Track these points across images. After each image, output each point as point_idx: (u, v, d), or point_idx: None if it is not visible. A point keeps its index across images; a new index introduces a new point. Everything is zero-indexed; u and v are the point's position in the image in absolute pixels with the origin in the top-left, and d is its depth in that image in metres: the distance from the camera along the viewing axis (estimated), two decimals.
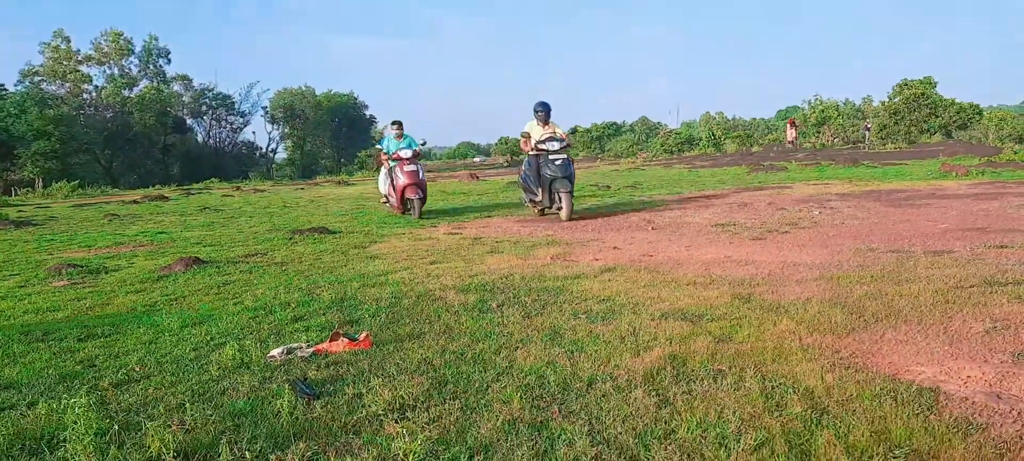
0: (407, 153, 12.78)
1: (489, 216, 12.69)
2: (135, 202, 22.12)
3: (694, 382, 3.38)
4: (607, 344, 4.11)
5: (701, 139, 50.35)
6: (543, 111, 11.78)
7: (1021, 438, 2.74)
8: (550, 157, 11.30)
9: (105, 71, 51.82)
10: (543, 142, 11.50)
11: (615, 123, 65.09)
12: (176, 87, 55.16)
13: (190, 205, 19.94)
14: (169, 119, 51.97)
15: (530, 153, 11.79)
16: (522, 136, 11.95)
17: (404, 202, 12.73)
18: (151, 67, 53.69)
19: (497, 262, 7.35)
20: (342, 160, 59.49)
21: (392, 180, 12.91)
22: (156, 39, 53.77)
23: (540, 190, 11.54)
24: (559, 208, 11.21)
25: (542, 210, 11.98)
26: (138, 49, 52.86)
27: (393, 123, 13.63)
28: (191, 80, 56.42)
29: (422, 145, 13.57)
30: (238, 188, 30.76)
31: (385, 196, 13.75)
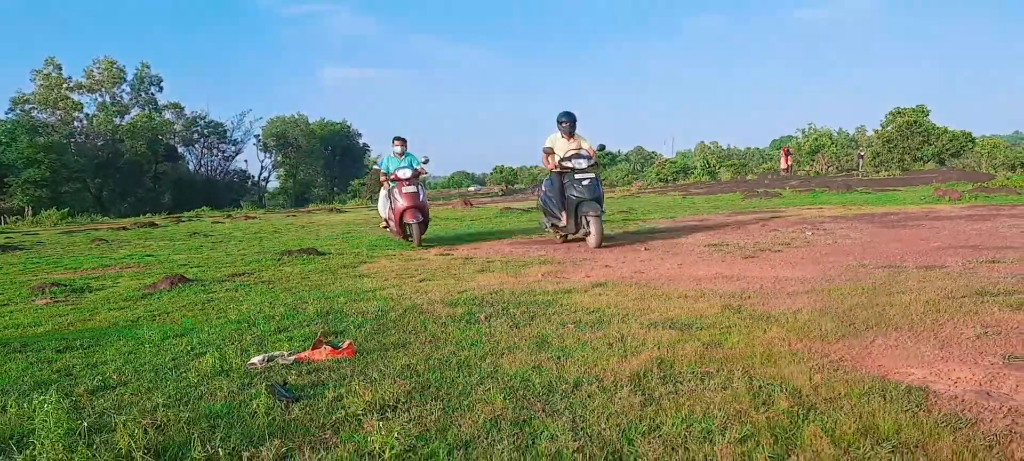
0: (406, 173, 11.51)
1: (481, 239, 12.61)
2: (124, 229, 22.00)
3: (681, 383, 3.32)
4: (595, 350, 4.05)
5: (696, 168, 50.53)
6: (568, 122, 10.42)
7: (1011, 432, 2.68)
8: (576, 176, 10.00)
9: (96, 99, 51.86)
10: (568, 159, 10.15)
11: (610, 153, 65.33)
12: (168, 115, 55.15)
13: (179, 231, 19.81)
14: (160, 147, 51.92)
15: (553, 171, 10.45)
16: (544, 151, 10.49)
17: (403, 226, 11.51)
18: (143, 95, 53.75)
19: (487, 279, 7.28)
20: (335, 189, 59.43)
21: (391, 202, 11.68)
22: (148, 67, 53.93)
23: (564, 213, 10.21)
24: (586, 234, 9.92)
25: (565, 236, 10.71)
26: (130, 77, 52.99)
27: (396, 139, 12.21)
28: (183, 108, 56.46)
29: (425, 163, 12.06)
30: (229, 215, 30.65)
31: (385, 220, 12.32)
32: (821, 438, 2.56)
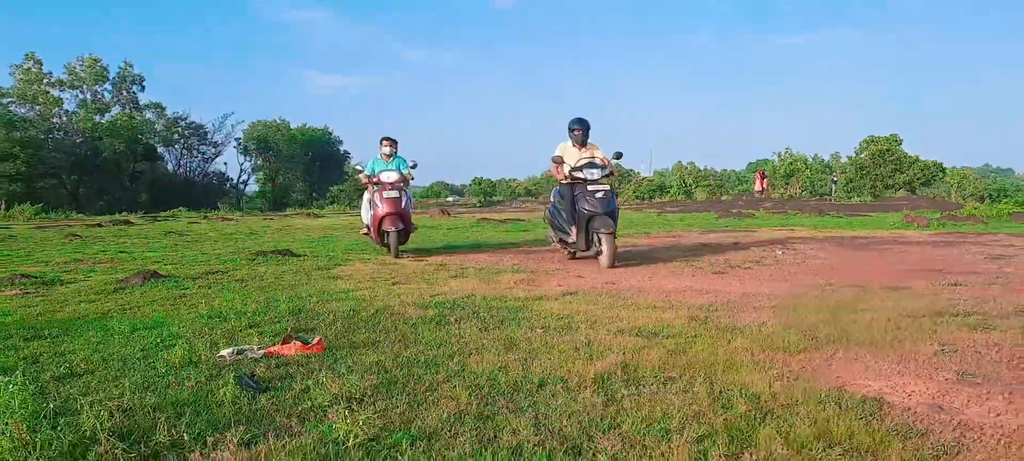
0: (391, 176, 10.74)
1: (456, 248, 12.64)
2: (99, 225, 21.77)
3: (643, 386, 3.39)
4: (561, 353, 4.11)
5: (672, 187, 50.92)
6: (580, 129, 9.61)
7: (958, 443, 2.77)
8: (589, 187, 9.11)
9: (77, 96, 51.28)
10: (580, 168, 9.28)
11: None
12: (148, 115, 54.63)
13: (155, 230, 19.64)
14: (139, 146, 51.39)
15: (562, 181, 9.65)
16: (553, 161, 9.66)
17: (381, 234, 10.72)
18: (124, 94, 53.23)
19: (460, 285, 7.33)
20: (314, 194, 59.15)
21: (372, 207, 10.85)
22: (131, 66, 53.41)
23: (573, 228, 9.30)
24: (598, 252, 9.05)
25: (574, 253, 9.90)
26: (113, 75, 52.45)
27: (384, 140, 11.28)
28: (164, 108, 55.89)
29: (412, 168, 11.26)
30: (206, 216, 30.42)
31: (367, 226, 11.32)
32: (775, 439, 2.63)
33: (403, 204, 10.71)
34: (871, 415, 3.01)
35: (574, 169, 9.29)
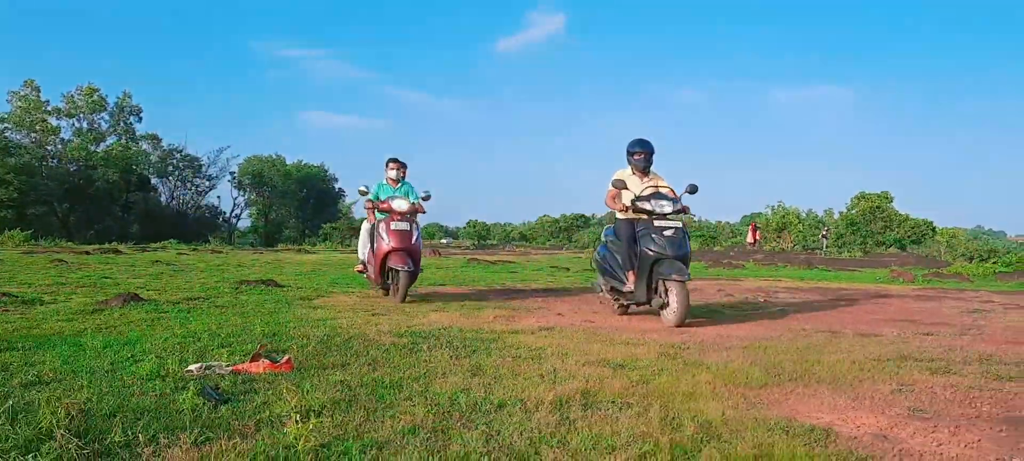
0: (402, 205, 9.05)
1: (442, 285, 12.69)
2: (87, 253, 21.78)
3: (599, 409, 3.45)
4: (526, 379, 4.17)
5: None
6: (642, 154, 7.79)
7: None
8: (656, 224, 7.29)
9: (74, 124, 51.56)
10: (646, 198, 7.45)
11: (583, 215, 65.91)
12: (144, 145, 54.91)
13: (143, 259, 19.65)
14: (133, 176, 51.56)
15: (620, 215, 7.84)
16: (613, 186, 7.68)
17: (384, 273, 9.09)
18: (121, 124, 53.52)
19: (439, 317, 7.38)
20: (307, 231, 59.23)
21: (374, 241, 9.17)
22: (130, 97, 53.82)
23: (631, 274, 7.56)
24: (663, 305, 7.24)
25: (627, 306, 8.05)
26: (111, 106, 52.80)
27: (391, 162, 9.81)
28: (160, 140, 56.27)
29: (425, 199, 9.61)
30: (195, 249, 30.46)
31: (363, 263, 9.83)
32: (715, 458, 2.69)
33: (413, 239, 9.03)
34: (816, 442, 3.08)
35: (638, 199, 7.48)
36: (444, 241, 66.16)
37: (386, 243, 8.81)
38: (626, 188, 7.63)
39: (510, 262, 22.41)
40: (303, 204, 63.96)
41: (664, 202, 7.39)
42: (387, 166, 9.81)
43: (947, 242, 44.98)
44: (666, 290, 7.20)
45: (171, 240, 37.43)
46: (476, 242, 54.95)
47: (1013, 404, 3.91)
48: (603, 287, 8.29)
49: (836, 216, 51.96)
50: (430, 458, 2.65)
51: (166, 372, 4.13)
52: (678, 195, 7.66)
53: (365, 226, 9.80)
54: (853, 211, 46.15)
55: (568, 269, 18.96)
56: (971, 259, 38.97)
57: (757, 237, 44.20)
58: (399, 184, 9.73)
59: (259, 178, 61.75)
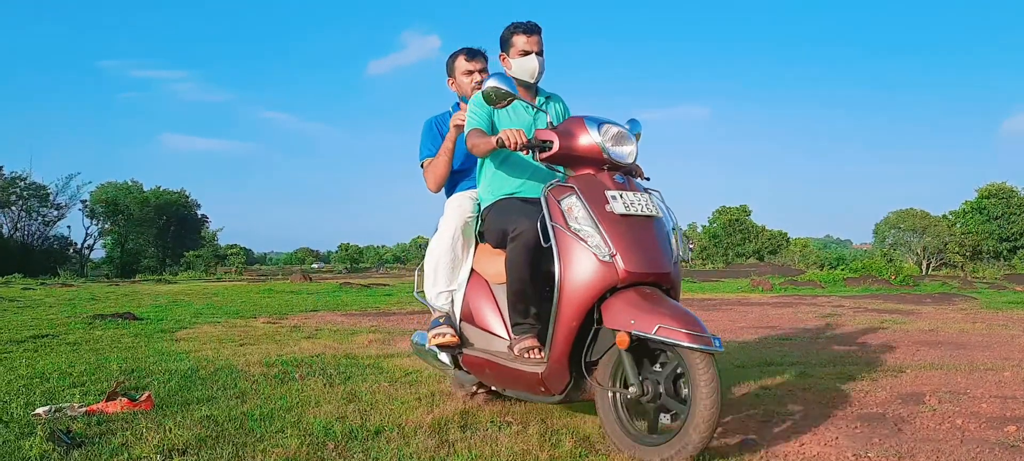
0: (622, 146, 3.40)
1: (314, 310, 12.35)
2: None
3: (478, 430, 3.44)
4: (404, 403, 4.10)
5: None
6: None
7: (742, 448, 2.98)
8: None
9: None
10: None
11: None
12: None
13: None
14: None
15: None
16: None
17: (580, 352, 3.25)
18: None
19: (312, 345, 7.16)
20: (167, 261, 56.30)
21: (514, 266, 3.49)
22: None
23: None
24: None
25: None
26: None
27: (463, 54, 4.17)
28: (1, 168, 52.17)
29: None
30: (43, 283, 28.30)
31: (440, 312, 4.01)
32: None
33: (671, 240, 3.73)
34: None
35: None
36: (315, 265, 64.58)
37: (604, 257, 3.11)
38: None
39: (384, 285, 22.13)
40: (163, 232, 60.71)
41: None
42: (464, 60, 4.18)
43: (800, 251, 48.16)
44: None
45: (16, 275, 34.58)
46: (349, 265, 53.90)
47: (865, 402, 4.20)
48: None
49: (699, 230, 54.55)
50: None
51: (10, 417, 3.78)
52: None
53: (454, 204, 4.12)
54: (714, 224, 48.55)
55: None
56: (822, 267, 41.82)
57: None
58: (536, 95, 3.96)
59: (113, 206, 58.15)
